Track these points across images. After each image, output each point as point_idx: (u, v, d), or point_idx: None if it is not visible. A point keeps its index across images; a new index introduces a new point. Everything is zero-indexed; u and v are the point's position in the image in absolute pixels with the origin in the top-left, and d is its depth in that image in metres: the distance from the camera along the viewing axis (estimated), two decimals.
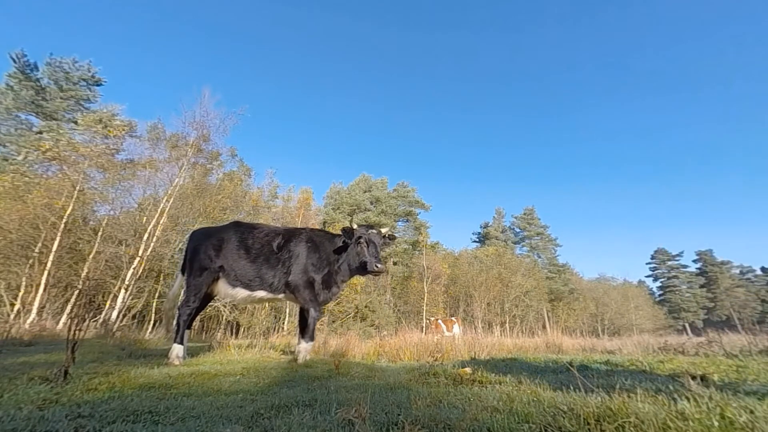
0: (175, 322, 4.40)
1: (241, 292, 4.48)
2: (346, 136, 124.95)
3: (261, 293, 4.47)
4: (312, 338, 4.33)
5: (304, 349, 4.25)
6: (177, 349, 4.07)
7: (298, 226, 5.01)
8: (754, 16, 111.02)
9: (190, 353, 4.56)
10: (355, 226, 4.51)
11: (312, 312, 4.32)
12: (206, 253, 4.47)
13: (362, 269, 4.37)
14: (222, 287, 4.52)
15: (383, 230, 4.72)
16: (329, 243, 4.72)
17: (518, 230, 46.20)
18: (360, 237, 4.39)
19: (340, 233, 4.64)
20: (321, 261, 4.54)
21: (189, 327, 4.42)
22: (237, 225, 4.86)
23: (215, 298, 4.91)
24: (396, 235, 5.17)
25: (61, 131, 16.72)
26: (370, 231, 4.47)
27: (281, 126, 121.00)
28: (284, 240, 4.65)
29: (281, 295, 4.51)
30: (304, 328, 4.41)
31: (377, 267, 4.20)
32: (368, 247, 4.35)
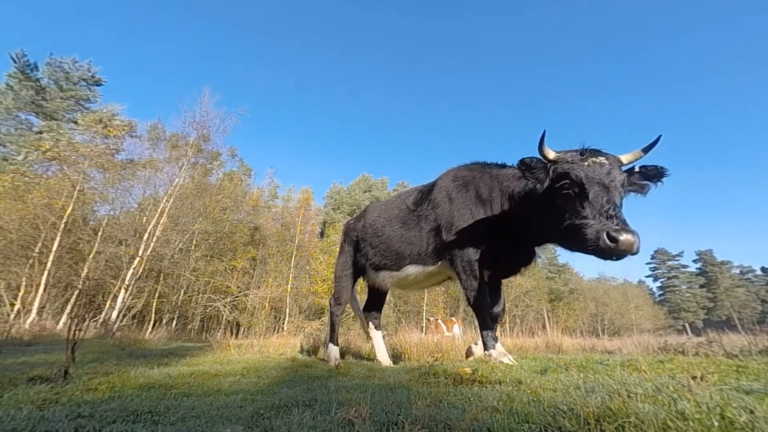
0: (328, 322, 4.08)
1: (387, 276, 3.61)
2: (346, 136, 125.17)
3: (409, 269, 3.32)
4: (491, 328, 2.71)
5: (498, 352, 2.67)
6: (334, 350, 3.79)
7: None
8: (753, 14, 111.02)
9: (190, 353, 4.56)
10: (551, 154, 2.30)
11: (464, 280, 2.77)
12: (346, 243, 4.16)
13: (577, 243, 2.10)
14: (371, 276, 3.91)
15: (624, 158, 2.24)
16: (490, 183, 2.89)
17: None
18: (564, 175, 2.17)
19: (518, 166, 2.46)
20: (477, 211, 2.84)
21: (378, 327, 4.18)
22: (373, 202, 4.34)
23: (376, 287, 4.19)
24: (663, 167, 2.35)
25: (61, 131, 16.72)
26: (590, 161, 2.14)
27: (282, 126, 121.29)
28: (422, 193, 3.40)
29: (434, 266, 3.17)
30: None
31: (615, 240, 1.84)
32: (587, 196, 2.05)
